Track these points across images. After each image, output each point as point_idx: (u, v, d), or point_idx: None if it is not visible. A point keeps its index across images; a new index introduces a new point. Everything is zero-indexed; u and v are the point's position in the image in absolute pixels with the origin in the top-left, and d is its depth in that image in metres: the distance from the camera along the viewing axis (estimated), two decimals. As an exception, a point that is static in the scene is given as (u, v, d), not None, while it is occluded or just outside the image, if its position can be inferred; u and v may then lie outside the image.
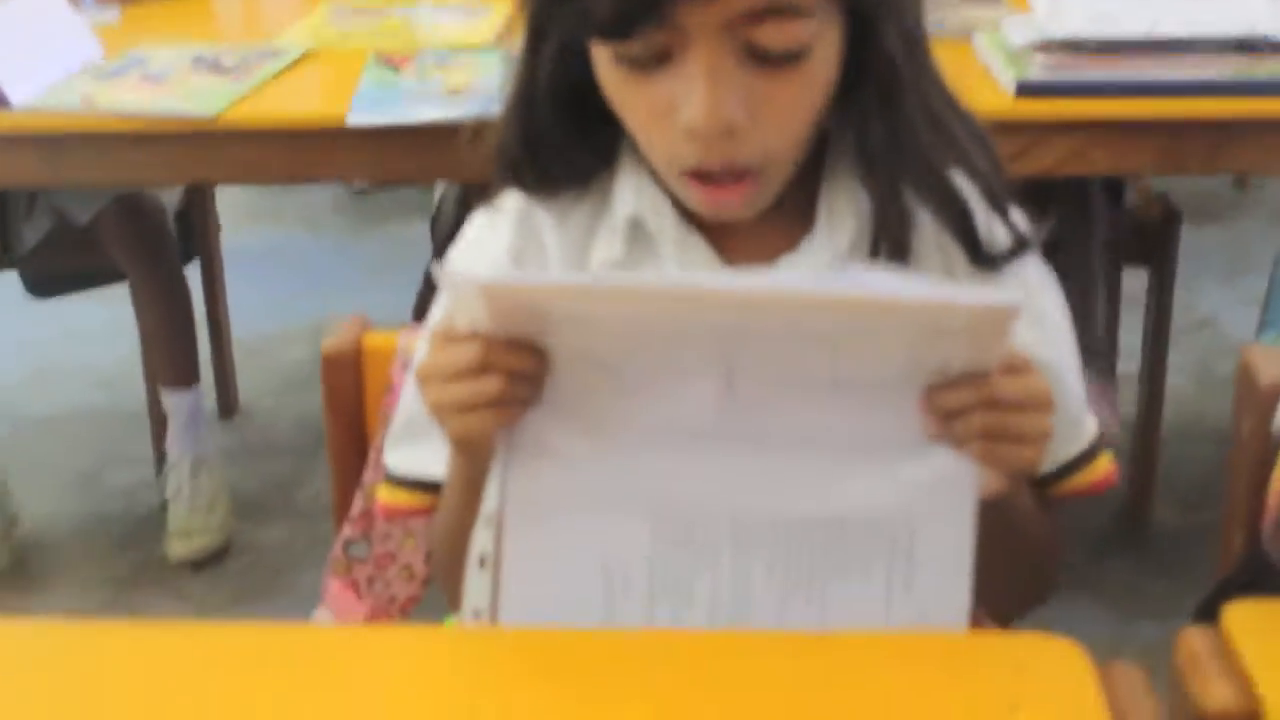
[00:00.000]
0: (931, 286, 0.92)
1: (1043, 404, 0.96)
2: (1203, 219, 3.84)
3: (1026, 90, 1.96)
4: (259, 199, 4.21)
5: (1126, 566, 2.61)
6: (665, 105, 0.98)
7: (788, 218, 1.08)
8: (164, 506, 2.73)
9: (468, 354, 0.93)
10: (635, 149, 1.06)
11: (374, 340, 1.34)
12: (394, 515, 1.20)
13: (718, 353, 0.92)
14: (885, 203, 1.05)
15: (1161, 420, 2.77)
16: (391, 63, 2.16)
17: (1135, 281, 2.80)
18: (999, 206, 1.08)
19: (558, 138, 1.07)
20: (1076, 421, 1.14)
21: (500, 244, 1.11)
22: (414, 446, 1.15)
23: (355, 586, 1.36)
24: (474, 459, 0.99)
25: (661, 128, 0.99)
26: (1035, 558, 1.14)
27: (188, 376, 2.72)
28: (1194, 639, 0.90)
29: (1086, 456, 1.15)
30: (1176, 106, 1.95)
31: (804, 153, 1.04)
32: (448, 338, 0.95)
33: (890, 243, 1.06)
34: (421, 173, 2.21)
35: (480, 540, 0.98)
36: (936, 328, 0.91)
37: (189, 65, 2.16)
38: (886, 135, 1.04)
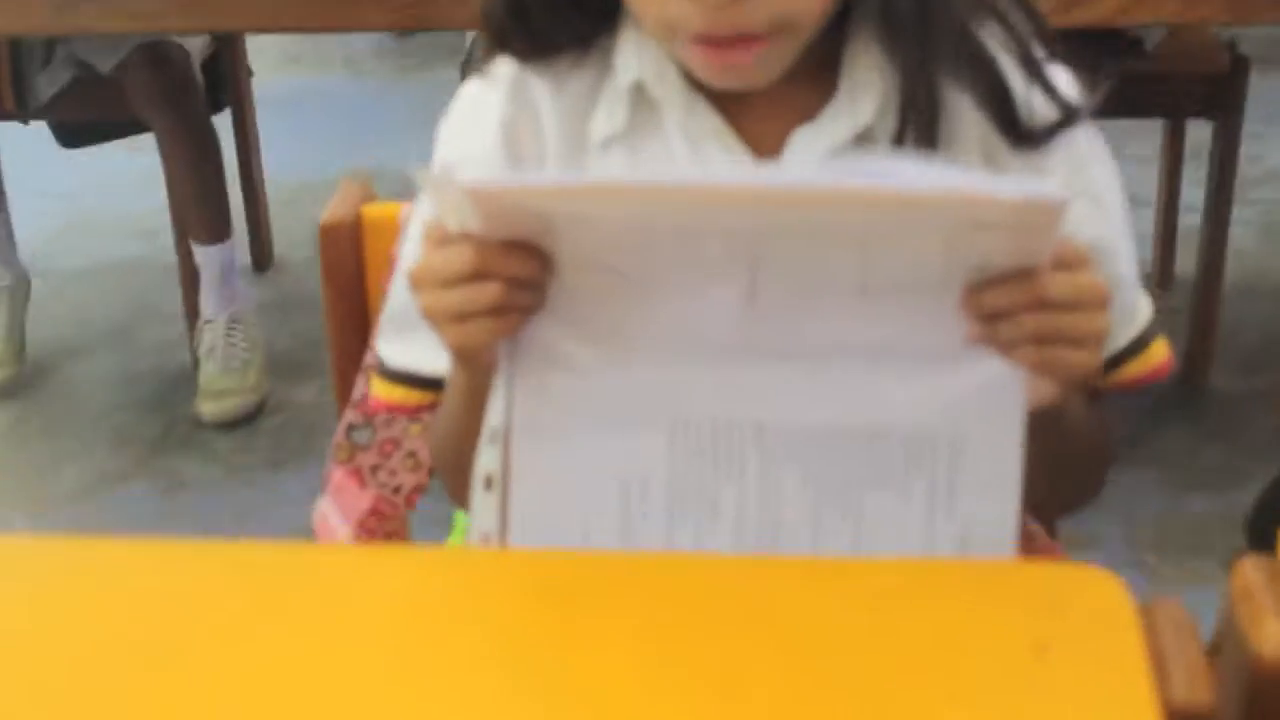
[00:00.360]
0: (968, 176, 0.83)
1: (1099, 301, 0.87)
2: (1272, 66, 3.69)
3: (1089, -65, 1.84)
4: (294, 43, 4.11)
5: (1182, 433, 2.52)
6: None
7: (806, 85, 0.98)
8: (196, 365, 2.68)
9: (460, 258, 0.85)
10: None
11: (375, 210, 1.26)
12: (390, 412, 1.13)
13: (737, 255, 0.84)
14: (913, 80, 0.95)
15: (1223, 279, 2.66)
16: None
17: (1200, 133, 2.70)
18: (1038, 73, 0.98)
19: (554, 12, 0.98)
20: (1129, 305, 1.05)
21: (491, 116, 1.02)
22: (408, 339, 1.06)
23: (359, 475, 1.29)
24: (475, 368, 0.92)
25: None
26: (1086, 462, 1.06)
27: (219, 231, 2.65)
28: (1248, 571, 0.81)
29: (1140, 343, 1.07)
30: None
31: (826, 14, 0.94)
32: (438, 239, 0.87)
33: (919, 123, 0.96)
34: (452, 21, 2.10)
35: (485, 459, 0.91)
36: (976, 222, 0.82)
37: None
38: (916, 5, 0.94)
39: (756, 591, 0.81)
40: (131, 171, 3.32)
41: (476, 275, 0.85)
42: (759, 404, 0.89)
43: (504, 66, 1.03)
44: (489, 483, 0.91)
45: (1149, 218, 3.03)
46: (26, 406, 2.74)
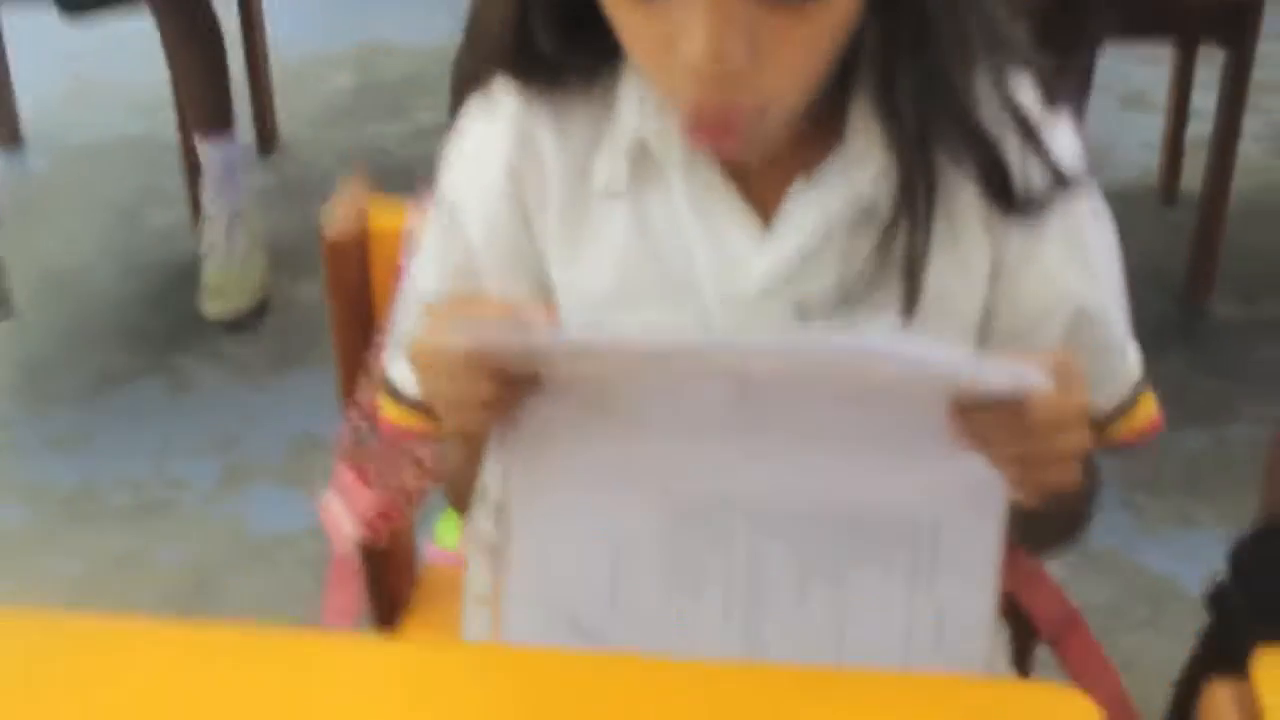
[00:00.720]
0: (956, 355, 0.85)
1: (1080, 420, 0.89)
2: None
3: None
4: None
5: (1179, 361, 2.55)
6: (665, 37, 0.88)
7: (808, 139, 0.98)
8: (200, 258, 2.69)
9: (458, 355, 0.87)
10: None
11: (380, 218, 1.27)
12: (402, 435, 1.15)
13: (729, 376, 0.86)
14: (912, 159, 0.96)
15: (1229, 200, 2.66)
16: None
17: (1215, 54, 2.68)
18: (1036, 143, 0.99)
19: (551, 29, 0.97)
20: (1118, 368, 1.06)
21: (496, 161, 1.02)
22: None
23: (365, 476, 1.32)
24: (473, 443, 0.94)
25: (661, 59, 0.90)
26: (1067, 523, 1.09)
27: (222, 124, 2.64)
28: (1220, 695, 0.85)
29: (1129, 403, 1.08)
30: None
31: (820, 86, 0.94)
32: (438, 323, 0.89)
33: (918, 197, 0.97)
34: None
35: (479, 524, 0.93)
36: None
37: None
38: (915, 87, 0.93)
39: (736, 697, 0.84)
40: (133, 38, 3.27)
41: (474, 371, 0.87)
42: (748, 482, 0.92)
43: (506, 98, 1.03)
44: (485, 548, 0.94)
45: (1157, 125, 3.02)
46: (33, 299, 2.74)
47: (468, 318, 0.89)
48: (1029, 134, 0.97)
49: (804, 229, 0.97)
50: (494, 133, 1.03)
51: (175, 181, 2.90)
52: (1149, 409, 1.08)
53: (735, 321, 0.98)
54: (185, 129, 2.72)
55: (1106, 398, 1.05)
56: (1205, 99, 2.86)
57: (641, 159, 0.99)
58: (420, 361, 0.91)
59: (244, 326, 2.65)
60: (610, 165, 1.00)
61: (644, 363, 0.86)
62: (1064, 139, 1.00)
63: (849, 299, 0.96)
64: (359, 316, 1.28)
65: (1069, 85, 2.36)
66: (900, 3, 0.90)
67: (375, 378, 1.29)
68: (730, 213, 0.98)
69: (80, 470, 2.38)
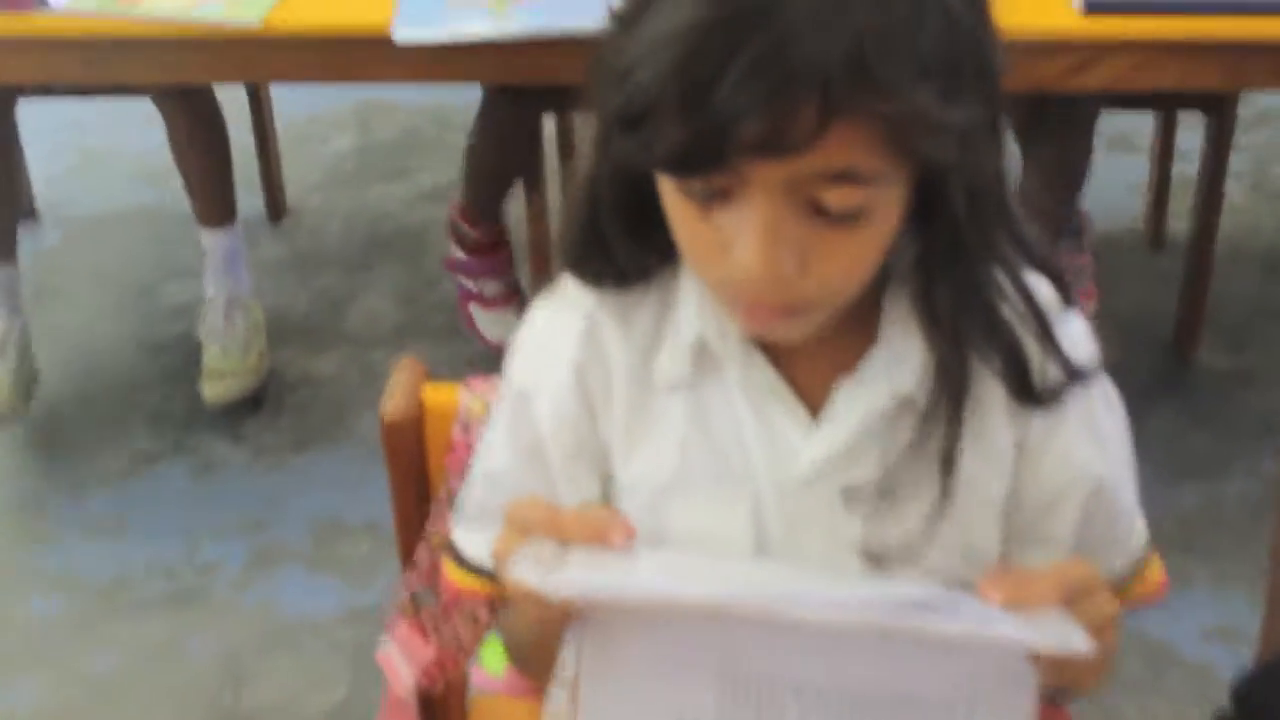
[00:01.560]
0: (1002, 620, 0.93)
1: (1110, 625, 0.98)
2: None
3: (1095, 7, 1.89)
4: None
5: (1171, 415, 2.62)
6: (721, 240, 0.95)
7: (848, 335, 1.07)
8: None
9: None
10: None
11: (434, 396, 1.35)
12: (461, 596, 1.23)
13: None
14: (948, 361, 1.04)
15: (1214, 253, 2.74)
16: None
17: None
18: (1052, 345, 1.07)
19: (620, 234, 1.05)
20: (1125, 538, 1.15)
21: (565, 355, 1.10)
22: (479, 531, 1.16)
23: (422, 629, 1.39)
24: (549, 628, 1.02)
25: (715, 259, 0.97)
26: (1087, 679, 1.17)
27: (224, 215, 2.71)
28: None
29: (1139, 565, 1.17)
30: (1243, 25, 1.90)
31: (865, 285, 1.03)
32: (521, 525, 0.97)
33: (951, 395, 1.05)
34: (472, 74, 2.16)
35: (556, 702, 1.01)
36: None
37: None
38: (951, 297, 1.02)
39: None
40: (138, 106, 3.31)
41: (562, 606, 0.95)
42: (797, 664, 0.99)
43: (573, 294, 1.10)
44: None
45: (1142, 167, 3.09)
46: (57, 381, 2.81)
47: (556, 554, 0.95)
48: (1046, 334, 1.05)
49: (850, 422, 1.05)
50: (562, 327, 1.10)
51: (189, 254, 2.96)
52: (1156, 570, 1.17)
53: (785, 506, 1.06)
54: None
55: (1121, 563, 1.14)
56: (1190, 139, 2.94)
57: (700, 355, 1.07)
58: (503, 554, 0.98)
59: (265, 404, 2.72)
60: (672, 362, 1.07)
61: (718, 611, 0.93)
62: (1077, 333, 1.08)
63: (890, 485, 1.05)
64: (416, 487, 1.36)
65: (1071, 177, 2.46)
66: (936, 218, 0.98)
67: (434, 543, 1.37)
68: (781, 405, 1.06)
69: (115, 557, 2.45)
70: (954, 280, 1.01)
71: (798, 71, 0.85)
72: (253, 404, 2.72)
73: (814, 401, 1.06)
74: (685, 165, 0.91)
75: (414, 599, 1.39)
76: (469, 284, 2.82)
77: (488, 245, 2.80)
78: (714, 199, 0.94)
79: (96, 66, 2.00)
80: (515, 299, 2.82)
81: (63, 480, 2.61)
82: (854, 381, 1.06)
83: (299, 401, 2.75)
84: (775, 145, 0.87)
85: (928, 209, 0.98)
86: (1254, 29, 1.89)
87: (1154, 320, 2.82)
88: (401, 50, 1.92)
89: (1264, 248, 3.06)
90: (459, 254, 2.82)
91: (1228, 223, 2.90)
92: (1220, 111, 2.57)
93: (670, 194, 0.97)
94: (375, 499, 1.60)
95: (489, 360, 2.76)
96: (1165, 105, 2.85)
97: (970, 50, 0.92)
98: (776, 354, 1.07)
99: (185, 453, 2.65)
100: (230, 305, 2.73)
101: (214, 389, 2.69)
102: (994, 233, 1.02)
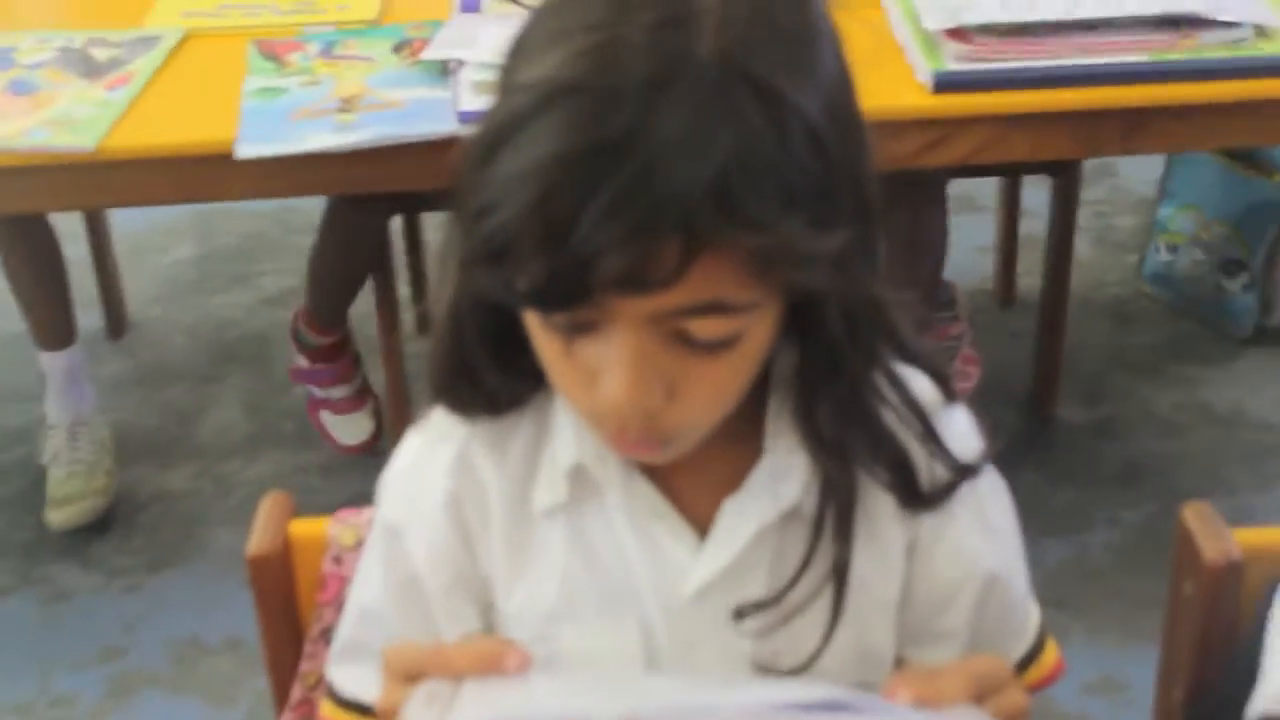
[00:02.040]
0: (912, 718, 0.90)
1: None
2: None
3: (944, 85, 1.90)
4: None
5: (1032, 472, 2.65)
6: (586, 371, 0.92)
7: (734, 447, 1.04)
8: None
9: None
10: None
11: (300, 529, 1.30)
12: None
13: None
14: (833, 478, 1.02)
15: (1067, 313, 2.78)
16: (273, 53, 2.04)
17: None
18: (937, 445, 1.05)
19: (488, 363, 1.02)
20: (1020, 627, 1.14)
21: (436, 487, 1.06)
22: (355, 667, 1.12)
23: (301, 769, 1.35)
24: None
25: (582, 390, 0.94)
26: None
27: (63, 338, 2.63)
28: None
29: (1035, 649, 1.16)
30: (1092, 96, 1.92)
31: (735, 406, 1.00)
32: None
33: (839, 506, 1.03)
34: (320, 187, 2.11)
35: None
36: None
37: (57, 63, 2.03)
38: (833, 413, 0.99)
39: None
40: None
41: None
42: None
43: (444, 426, 1.06)
44: None
45: (988, 226, 3.13)
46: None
47: (447, 692, 0.91)
48: (930, 435, 1.03)
49: (737, 539, 1.02)
50: (433, 460, 1.06)
51: (27, 376, 2.86)
52: (1052, 654, 1.16)
53: (675, 626, 1.03)
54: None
55: (1017, 648, 1.13)
56: (1033, 196, 2.99)
57: (579, 480, 1.03)
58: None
59: (116, 525, 2.62)
60: (550, 490, 1.04)
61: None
62: (961, 425, 1.07)
63: (781, 598, 1.01)
64: (286, 623, 1.31)
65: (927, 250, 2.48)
66: (810, 334, 0.95)
67: (308, 683, 1.32)
68: (666, 526, 1.03)
69: (-37, 699, 2.34)
70: (834, 396, 0.98)
71: (660, 207, 0.81)
72: (101, 526, 2.63)
73: (699, 518, 1.03)
74: (548, 301, 0.88)
75: (290, 738, 1.34)
76: (318, 392, 2.76)
77: (332, 349, 2.75)
78: (578, 331, 0.90)
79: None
80: (365, 400, 2.77)
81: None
82: (739, 497, 1.03)
83: (150, 520, 2.66)
84: (638, 282, 0.83)
85: (803, 322, 0.95)
86: (1102, 98, 1.91)
87: (1010, 378, 2.85)
88: (244, 166, 1.86)
89: (1111, 299, 3.11)
90: (303, 362, 2.76)
91: (1075, 277, 2.94)
92: (1066, 173, 2.61)
93: (535, 327, 0.93)
94: (235, 615, 1.55)
95: (345, 467, 2.72)
96: (1012, 171, 2.89)
97: (842, 174, 0.88)
98: (658, 473, 1.03)
99: (33, 583, 2.54)
100: (74, 427, 2.64)
101: (59, 515, 2.60)
102: (873, 343, 1.00)
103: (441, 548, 1.05)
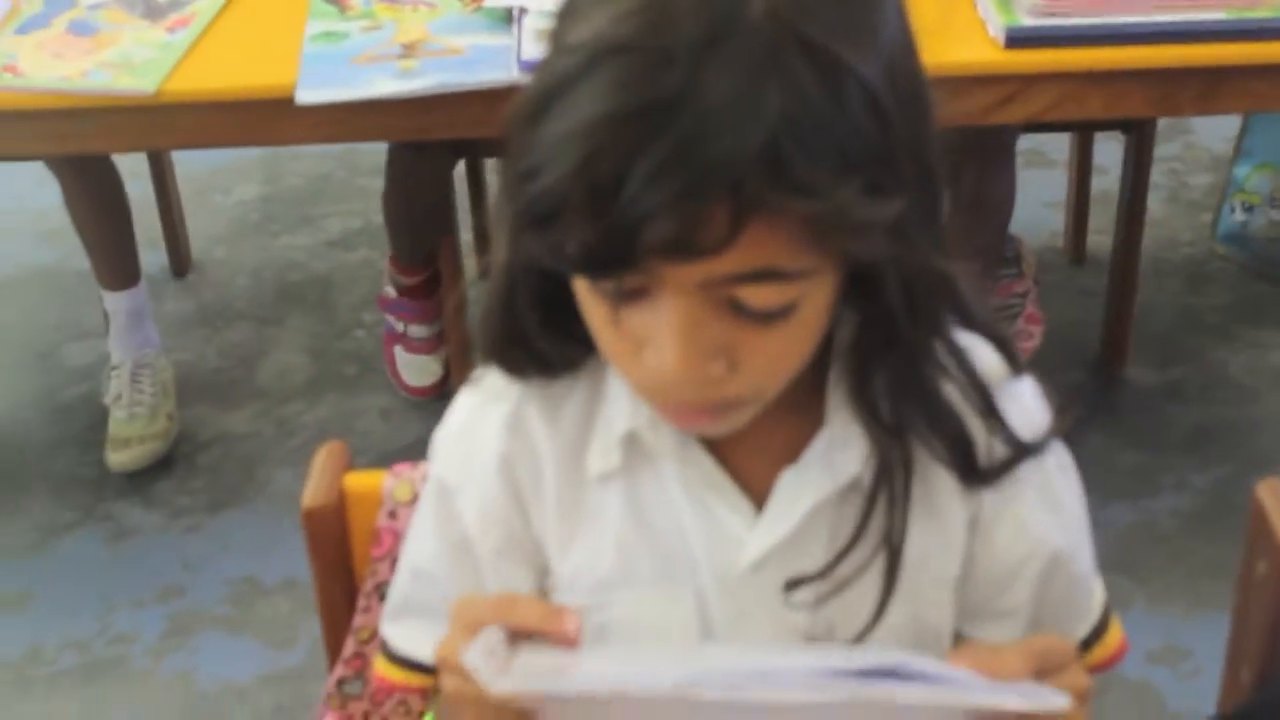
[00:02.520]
0: (973, 682, 0.88)
1: (1080, 700, 0.95)
2: None
3: (1016, 40, 1.86)
4: None
5: (1100, 433, 2.61)
6: (637, 340, 0.90)
7: (791, 419, 1.01)
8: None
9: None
10: None
11: (355, 482, 1.29)
12: (390, 690, 1.18)
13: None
14: (888, 447, 0.99)
15: (1139, 269, 2.73)
16: (336, -6, 2.02)
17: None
18: (997, 421, 1.02)
19: (540, 327, 1.00)
20: (1084, 606, 1.12)
21: (489, 448, 1.04)
22: (409, 626, 1.12)
23: (352, 719, 1.35)
24: None
25: (631, 359, 0.91)
26: None
27: (127, 278, 2.64)
28: None
29: (1098, 632, 1.13)
30: (1169, 53, 1.87)
31: (796, 375, 0.97)
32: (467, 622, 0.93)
33: (897, 479, 1.00)
34: (380, 134, 2.10)
35: None
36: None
37: (118, 3, 2.02)
38: (890, 385, 0.97)
39: None
40: (34, 164, 3.25)
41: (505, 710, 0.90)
42: None
43: (497, 386, 1.05)
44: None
45: (1059, 182, 3.08)
46: (-41, 451, 2.73)
47: (506, 649, 0.91)
48: (990, 409, 1.01)
49: (795, 511, 1.00)
50: (486, 420, 1.05)
51: (91, 313, 2.88)
52: (1116, 634, 1.14)
53: (729, 597, 1.02)
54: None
55: (1080, 628, 1.11)
56: (1106, 151, 2.94)
57: (633, 446, 1.02)
58: (453, 695, 0.94)
59: (177, 465, 2.64)
60: (604, 453, 1.02)
61: (682, 698, 0.87)
62: (1027, 399, 1.04)
63: (836, 570, 0.99)
64: (340, 576, 1.31)
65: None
66: (867, 303, 0.92)
67: (361, 637, 1.32)
68: (722, 496, 1.01)
69: (26, 632, 2.36)
70: (891, 367, 0.96)
71: (708, 170, 0.79)
72: (164, 466, 2.64)
73: (756, 490, 1.01)
74: (595, 267, 0.86)
75: (341, 688, 1.34)
76: (396, 325, 2.77)
77: (418, 289, 2.75)
78: (627, 298, 0.88)
79: (-14, 134, 1.92)
80: (439, 346, 2.76)
81: (-32, 555, 2.52)
82: (798, 469, 1.01)
83: (211, 461, 2.67)
84: (687, 247, 0.81)
85: (863, 288, 0.92)
86: (1178, 55, 1.87)
87: (1079, 338, 2.81)
88: (305, 111, 1.85)
89: (1184, 259, 3.05)
90: (391, 292, 2.77)
91: (1147, 235, 2.89)
92: (1140, 129, 2.55)
93: (584, 293, 0.91)
94: (294, 557, 1.55)
95: (405, 412, 2.72)
96: (1084, 127, 2.84)
97: (902, 140, 0.85)
98: (715, 442, 1.01)
99: (96, 520, 2.56)
100: (137, 369, 2.65)
101: (119, 457, 2.62)
102: (933, 313, 0.97)
103: (493, 509, 1.04)
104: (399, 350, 2.77)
